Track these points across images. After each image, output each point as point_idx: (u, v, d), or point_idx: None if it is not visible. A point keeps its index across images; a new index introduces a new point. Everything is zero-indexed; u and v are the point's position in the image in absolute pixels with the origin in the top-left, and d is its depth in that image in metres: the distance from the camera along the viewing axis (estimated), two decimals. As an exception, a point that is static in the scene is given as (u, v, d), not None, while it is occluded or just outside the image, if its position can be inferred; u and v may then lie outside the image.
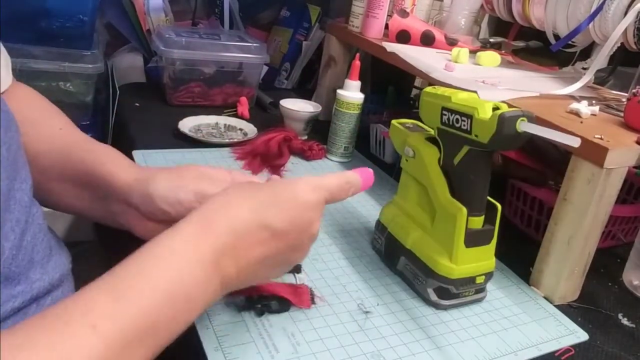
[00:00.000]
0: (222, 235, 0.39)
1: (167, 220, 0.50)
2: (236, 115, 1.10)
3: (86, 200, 0.53)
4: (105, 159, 0.53)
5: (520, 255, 0.72)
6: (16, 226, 0.38)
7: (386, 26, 1.00)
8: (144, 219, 0.51)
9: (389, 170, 0.95)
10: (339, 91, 0.94)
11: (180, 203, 0.50)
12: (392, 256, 0.65)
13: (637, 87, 0.66)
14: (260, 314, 0.54)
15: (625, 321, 0.64)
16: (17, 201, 0.38)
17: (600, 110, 0.70)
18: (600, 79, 0.91)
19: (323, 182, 0.45)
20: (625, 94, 0.79)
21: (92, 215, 0.55)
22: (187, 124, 0.98)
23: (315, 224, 0.44)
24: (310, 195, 0.44)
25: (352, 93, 0.93)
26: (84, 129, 1.14)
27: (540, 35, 0.91)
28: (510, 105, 0.54)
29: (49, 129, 0.55)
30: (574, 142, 0.47)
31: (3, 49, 0.52)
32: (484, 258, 0.59)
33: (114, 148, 0.56)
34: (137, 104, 1.11)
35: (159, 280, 0.35)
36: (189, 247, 0.38)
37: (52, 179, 0.52)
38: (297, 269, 0.62)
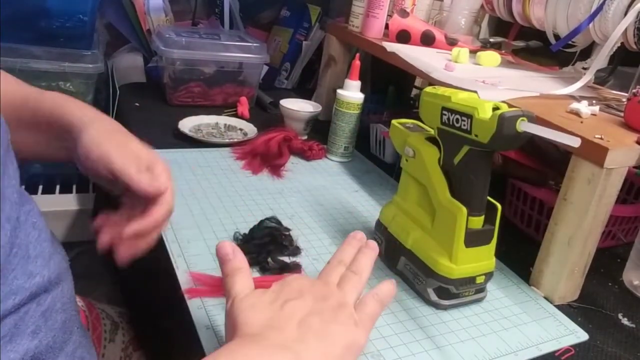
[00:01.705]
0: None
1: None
2: (236, 115, 1.10)
3: (43, 144, 0.56)
4: (59, 102, 0.55)
5: (520, 255, 0.72)
6: (7, 223, 0.38)
7: (386, 26, 1.00)
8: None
9: (389, 170, 0.95)
10: (339, 91, 0.94)
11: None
12: (392, 256, 0.65)
13: (637, 87, 0.66)
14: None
15: (625, 321, 0.64)
16: (6, 198, 0.38)
17: (600, 110, 0.70)
18: (600, 79, 0.91)
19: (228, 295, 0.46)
20: (625, 94, 0.79)
21: (50, 154, 0.57)
22: (187, 124, 0.98)
23: (286, 286, 0.45)
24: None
25: (352, 93, 0.93)
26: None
27: (540, 35, 0.91)
28: (510, 105, 0.54)
29: (16, 84, 0.57)
30: (574, 142, 0.47)
31: None
32: (484, 258, 0.59)
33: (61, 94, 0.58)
34: (137, 104, 1.11)
35: None
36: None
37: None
38: (296, 267, 0.62)
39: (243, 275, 0.45)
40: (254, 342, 0.39)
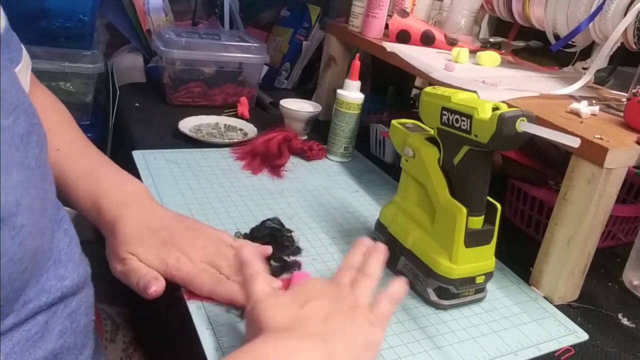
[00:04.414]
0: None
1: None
2: (236, 115, 1.10)
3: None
4: (89, 199, 0.56)
5: (520, 255, 0.72)
6: (49, 223, 0.40)
7: (386, 26, 1.00)
8: None
9: (389, 170, 0.95)
10: (339, 91, 0.94)
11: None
12: (392, 256, 0.65)
13: (637, 87, 0.66)
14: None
15: (625, 321, 0.64)
16: (48, 200, 0.40)
17: (600, 110, 0.70)
18: (600, 79, 0.91)
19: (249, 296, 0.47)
20: (625, 94, 0.79)
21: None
22: (187, 124, 0.98)
23: (304, 286, 0.47)
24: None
25: (352, 93, 0.93)
26: (84, 129, 1.14)
27: (540, 35, 0.91)
28: (510, 105, 0.54)
29: (47, 148, 0.56)
30: (574, 142, 0.47)
31: (25, 52, 0.54)
32: (483, 258, 0.59)
33: (97, 168, 0.59)
34: (137, 104, 1.11)
35: None
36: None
37: None
38: (297, 266, 0.62)
39: (261, 279, 0.47)
40: (285, 333, 0.41)
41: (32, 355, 0.38)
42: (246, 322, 0.47)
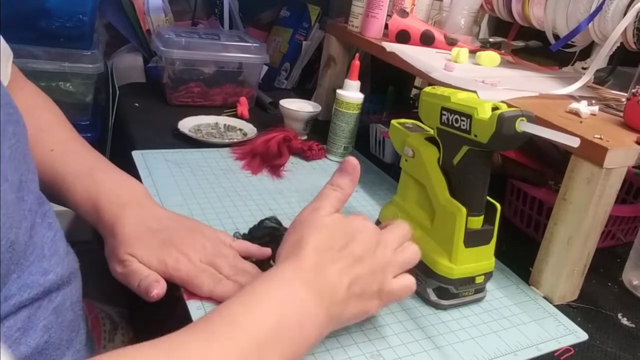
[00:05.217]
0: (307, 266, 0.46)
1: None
2: (236, 115, 1.10)
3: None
4: (87, 201, 0.56)
5: (520, 255, 0.72)
6: (28, 215, 0.39)
7: (386, 26, 1.00)
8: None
9: (389, 170, 0.95)
10: (338, 91, 0.94)
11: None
12: (391, 256, 0.65)
13: (637, 87, 0.66)
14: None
15: (625, 321, 0.64)
16: (29, 191, 0.39)
17: (600, 110, 0.70)
18: (600, 79, 0.91)
19: (317, 203, 0.51)
20: (625, 94, 0.79)
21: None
22: (187, 124, 0.98)
23: (359, 235, 0.49)
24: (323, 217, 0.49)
25: (351, 93, 0.93)
26: (83, 129, 1.14)
27: (540, 35, 0.91)
28: (509, 105, 0.54)
29: (41, 149, 0.56)
30: (574, 142, 0.47)
31: (5, 43, 0.54)
32: (483, 258, 0.59)
33: (94, 169, 0.59)
34: (136, 104, 1.11)
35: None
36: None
37: None
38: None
39: (340, 195, 0.51)
40: (306, 278, 0.44)
41: (16, 351, 0.38)
42: (294, 220, 0.50)
